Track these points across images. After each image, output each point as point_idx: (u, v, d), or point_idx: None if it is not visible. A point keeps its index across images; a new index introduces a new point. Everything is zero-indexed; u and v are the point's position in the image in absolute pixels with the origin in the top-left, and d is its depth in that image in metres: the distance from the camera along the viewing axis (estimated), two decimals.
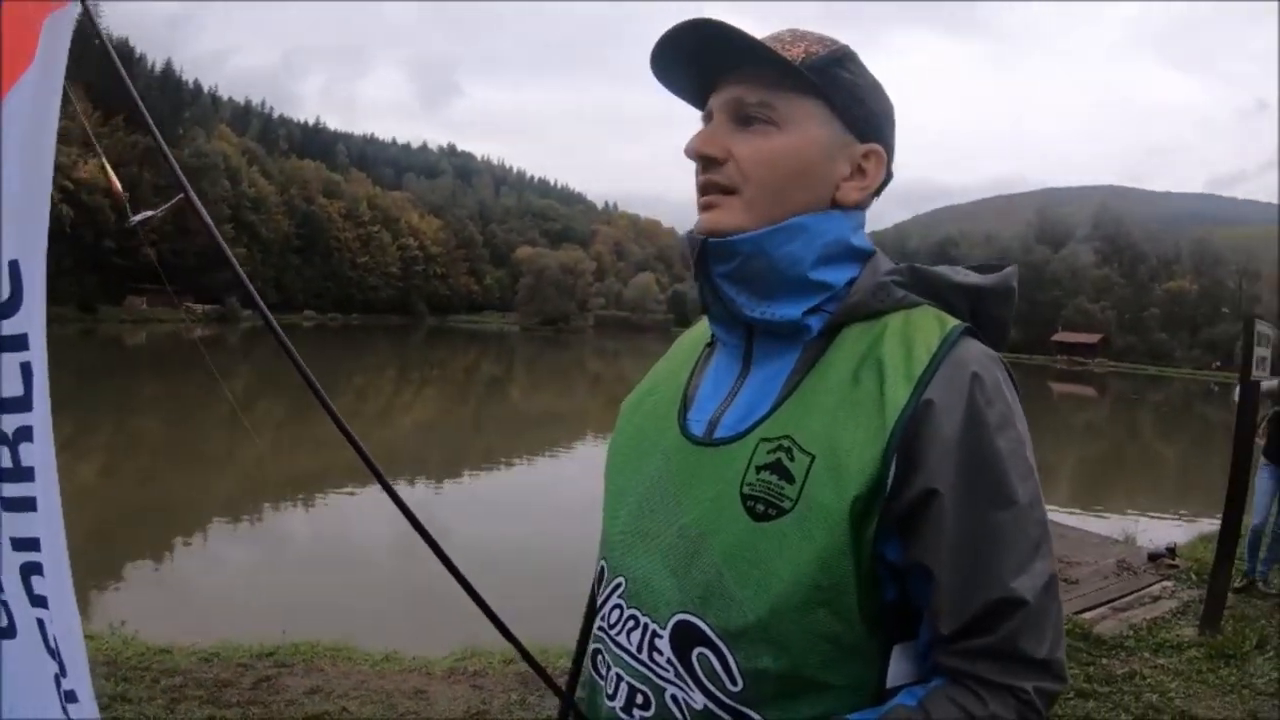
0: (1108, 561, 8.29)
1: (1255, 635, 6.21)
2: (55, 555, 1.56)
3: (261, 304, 1.40)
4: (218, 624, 7.43)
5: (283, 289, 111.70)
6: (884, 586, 1.04)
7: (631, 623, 1.16)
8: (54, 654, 1.58)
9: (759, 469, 1.08)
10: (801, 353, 1.15)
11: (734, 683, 1.05)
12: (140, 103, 1.32)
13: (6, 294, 1.54)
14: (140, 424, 23.22)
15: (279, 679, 5.35)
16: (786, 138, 1.13)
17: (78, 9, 1.63)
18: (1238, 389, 6.77)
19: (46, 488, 1.56)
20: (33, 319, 1.56)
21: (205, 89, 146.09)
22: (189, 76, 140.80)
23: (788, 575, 1.02)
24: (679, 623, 1.10)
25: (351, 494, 14.26)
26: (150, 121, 1.30)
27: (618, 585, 1.20)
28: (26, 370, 1.57)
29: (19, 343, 1.55)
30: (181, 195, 1.29)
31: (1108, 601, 7.12)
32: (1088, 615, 6.72)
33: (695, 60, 1.16)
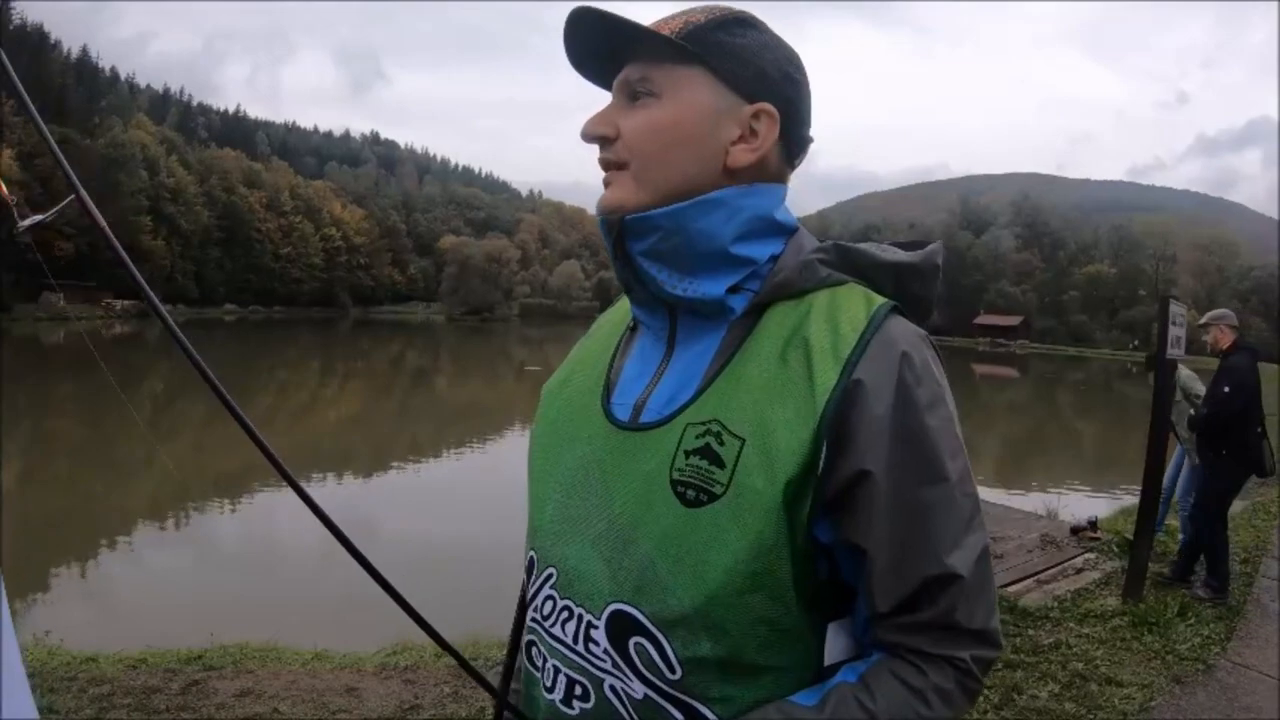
0: (1031, 536, 8.40)
1: (1176, 603, 6.35)
2: None
3: (151, 296, 1.34)
4: (145, 630, 7.28)
5: (203, 282, 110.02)
6: (817, 566, 1.04)
7: (565, 613, 1.14)
8: None
9: (688, 454, 1.06)
10: (726, 333, 1.13)
11: (672, 671, 1.05)
12: (24, 96, 1.24)
13: None
14: (59, 426, 22.66)
15: (208, 682, 5.27)
16: (664, 107, 1.12)
17: None
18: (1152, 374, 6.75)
19: None
20: None
21: (123, 76, 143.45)
22: (106, 64, 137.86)
23: (722, 563, 1.01)
24: (614, 613, 1.08)
25: (276, 492, 14.03)
26: (34, 113, 1.23)
27: (549, 575, 1.18)
28: None
29: None
30: (73, 196, 1.23)
31: (1032, 574, 7.22)
32: (1013, 588, 6.80)
33: (597, 51, 1.17)
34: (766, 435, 1.02)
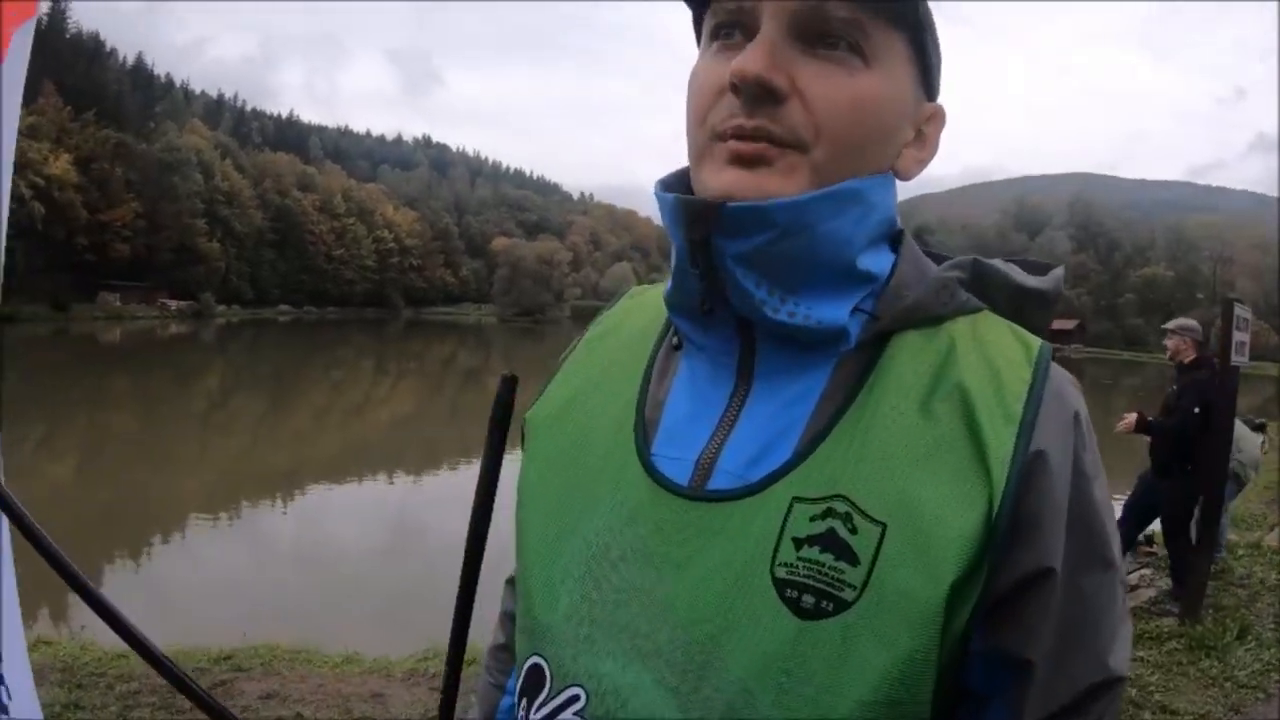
0: None
1: (1236, 625, 6.12)
2: None
3: None
4: (182, 625, 7.35)
5: (258, 283, 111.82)
6: (959, 679, 0.77)
7: None
8: None
9: (799, 542, 0.75)
10: (835, 369, 0.83)
11: None
12: None
13: None
14: (114, 422, 23.00)
15: (235, 683, 5.27)
16: (876, 80, 0.80)
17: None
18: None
19: None
20: None
21: (177, 82, 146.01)
22: (161, 70, 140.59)
23: (855, 693, 0.72)
24: None
25: (327, 490, 14.12)
26: None
27: (572, 697, 0.81)
28: None
29: None
30: None
31: None
32: None
33: None
34: (917, 518, 0.74)
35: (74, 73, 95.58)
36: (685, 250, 0.81)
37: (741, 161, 0.78)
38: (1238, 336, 6.39)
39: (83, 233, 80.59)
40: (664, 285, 0.90)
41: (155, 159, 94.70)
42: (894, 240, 0.88)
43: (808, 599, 0.74)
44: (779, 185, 0.77)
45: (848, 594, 0.73)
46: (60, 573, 0.93)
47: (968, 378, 0.78)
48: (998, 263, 0.90)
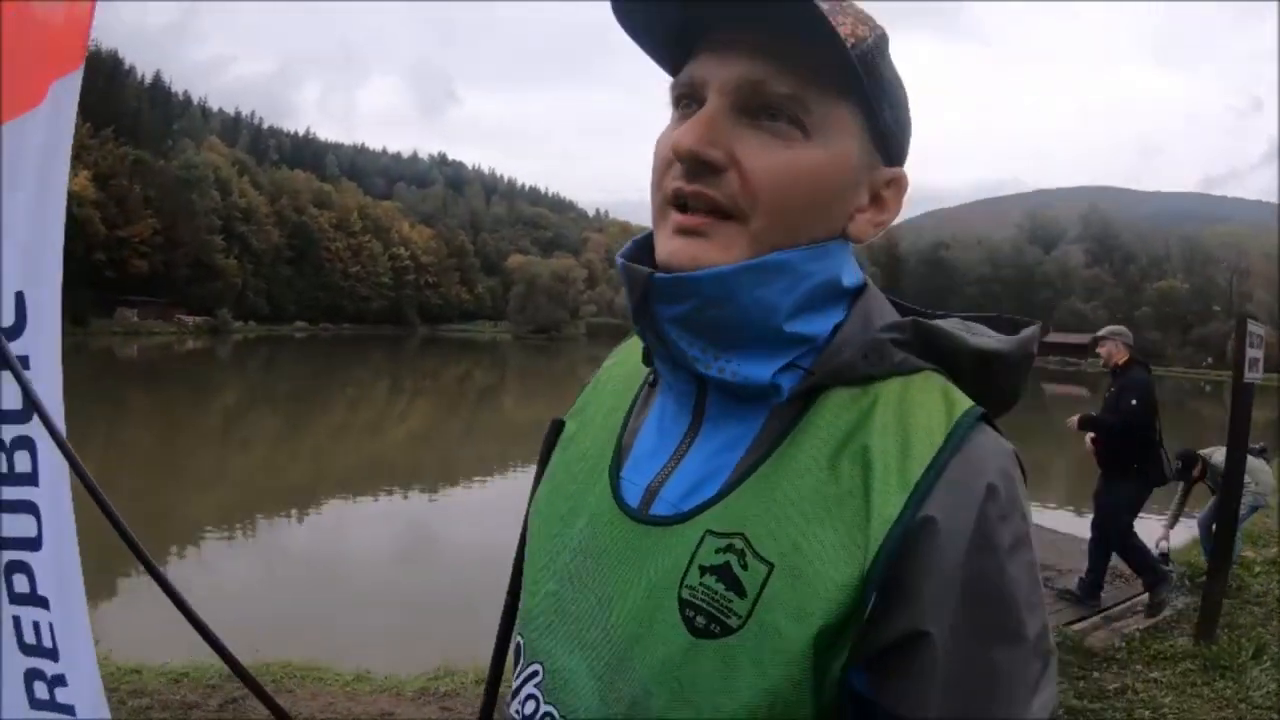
0: None
1: (1252, 645, 6.04)
2: (60, 552, 1.75)
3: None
4: (196, 640, 7.35)
5: (274, 299, 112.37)
6: (842, 714, 0.81)
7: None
8: (33, 650, 1.76)
9: (703, 570, 0.83)
10: (768, 418, 0.89)
11: None
12: None
13: (10, 321, 1.69)
14: (131, 437, 23.11)
15: (246, 700, 5.25)
16: (816, 152, 0.84)
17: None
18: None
19: (51, 491, 1.73)
20: (39, 343, 1.72)
21: (195, 100, 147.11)
22: (180, 87, 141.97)
23: (729, 708, 0.79)
24: None
25: (342, 506, 14.15)
26: None
27: (534, 673, 0.95)
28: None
29: (22, 363, 1.67)
30: None
31: (1100, 611, 6.98)
32: (1078, 626, 6.57)
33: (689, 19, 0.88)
34: (800, 566, 0.80)
35: (93, 90, 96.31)
36: (632, 307, 0.89)
37: (683, 232, 0.84)
38: (1251, 353, 6.35)
39: (101, 249, 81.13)
40: None
41: (173, 176, 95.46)
42: (856, 295, 0.92)
43: (700, 620, 0.81)
44: (716, 256, 0.83)
45: (733, 621, 0.80)
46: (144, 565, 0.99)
47: (875, 440, 0.82)
48: (950, 324, 0.93)
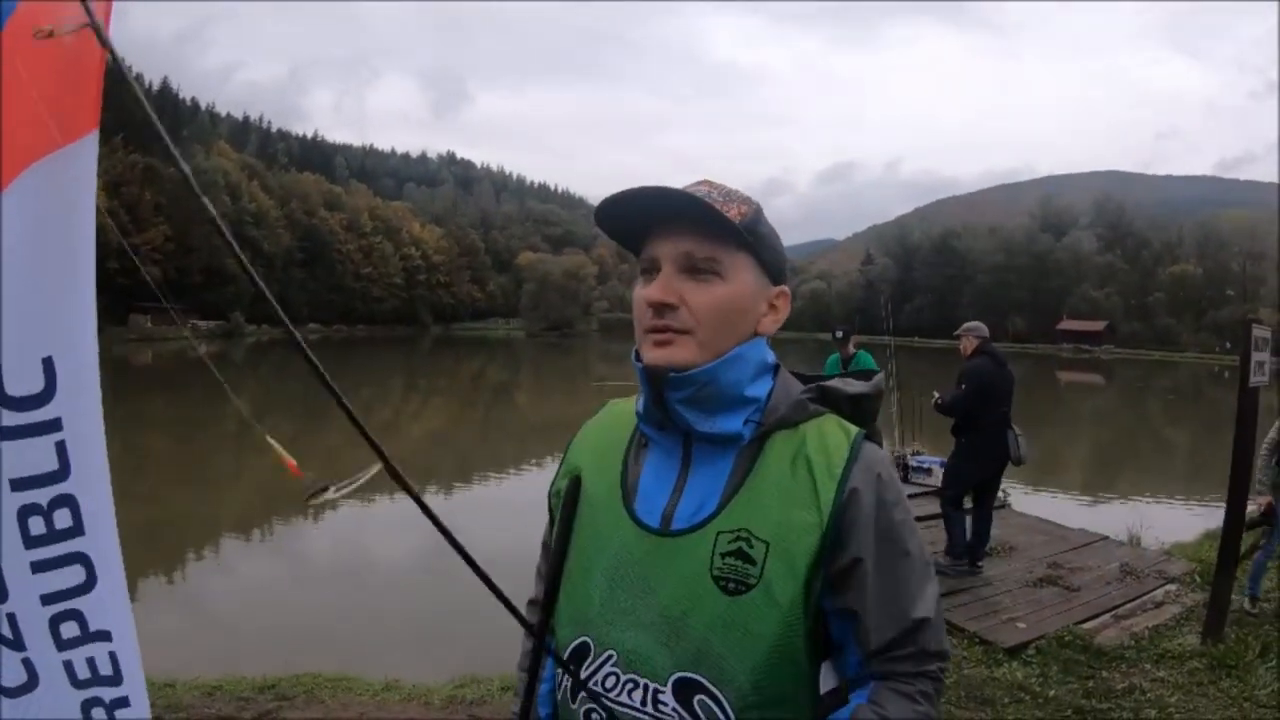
0: (1111, 566, 8.19)
1: (1258, 644, 6.10)
2: (113, 585, 1.82)
3: (284, 316, 1.41)
4: (223, 648, 7.47)
5: (287, 303, 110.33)
6: (820, 625, 1.37)
7: (631, 685, 1.37)
8: (88, 682, 1.82)
9: (724, 556, 1.34)
10: (737, 456, 1.42)
11: (728, 716, 1.31)
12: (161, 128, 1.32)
13: (40, 387, 1.71)
14: (148, 443, 23.21)
15: (280, 713, 5.38)
16: (729, 287, 1.39)
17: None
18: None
19: (101, 536, 1.80)
20: (72, 404, 1.76)
21: (203, 106, 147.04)
22: (189, 94, 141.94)
23: (761, 633, 1.31)
24: (679, 679, 1.33)
25: (359, 506, 14.23)
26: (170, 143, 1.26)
27: (609, 657, 1.40)
28: (61, 447, 1.75)
29: (51, 426, 1.73)
30: (379, 465, 1.43)
31: (1110, 609, 7.03)
32: (1089, 625, 6.63)
33: (644, 215, 1.40)
34: (786, 538, 1.33)
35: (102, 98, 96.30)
36: (649, 395, 1.42)
37: (658, 344, 1.38)
38: (1256, 357, 6.36)
39: (114, 256, 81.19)
40: (634, 401, 1.53)
41: (183, 181, 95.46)
42: (775, 370, 1.48)
43: (731, 585, 1.33)
44: (681, 356, 1.37)
45: (752, 581, 1.32)
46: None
47: (812, 456, 1.38)
48: (836, 383, 1.52)
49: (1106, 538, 9.60)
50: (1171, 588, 7.67)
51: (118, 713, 1.86)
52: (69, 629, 1.80)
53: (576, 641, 1.45)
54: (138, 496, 16.14)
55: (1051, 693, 5.47)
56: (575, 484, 1.55)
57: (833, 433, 1.42)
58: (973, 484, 8.14)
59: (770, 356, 1.48)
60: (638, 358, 1.43)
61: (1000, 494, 11.31)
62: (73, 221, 1.78)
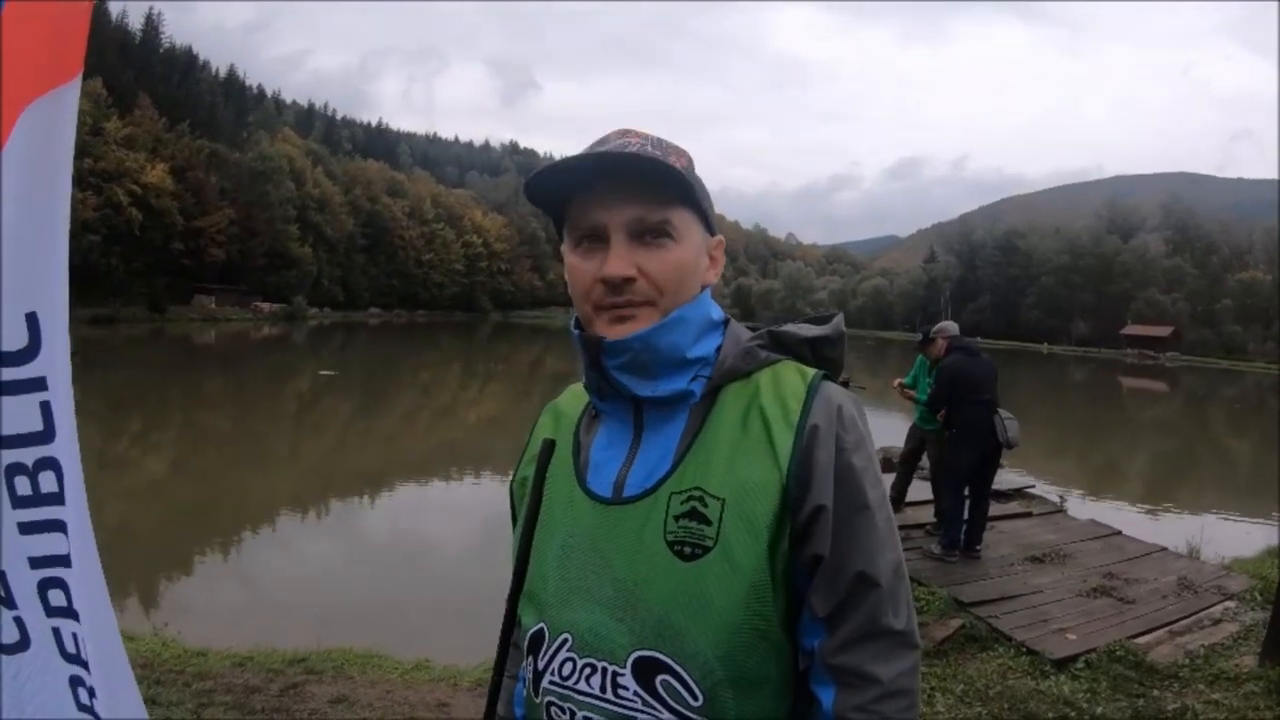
0: (1168, 579, 7.91)
1: None
2: (87, 567, 1.75)
3: None
4: (263, 621, 7.53)
5: (349, 287, 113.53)
6: (791, 582, 1.24)
7: (589, 669, 1.26)
8: (73, 659, 1.79)
9: (677, 518, 1.23)
10: (689, 414, 1.32)
11: (695, 698, 1.20)
12: None
13: (25, 343, 1.70)
14: (207, 420, 23.57)
15: (306, 686, 5.42)
16: (681, 249, 1.30)
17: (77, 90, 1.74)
18: None
19: (76, 509, 1.74)
20: (53, 362, 1.73)
21: (269, 93, 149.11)
22: (255, 81, 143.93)
23: (724, 601, 1.19)
24: (638, 659, 1.22)
25: (415, 491, 14.27)
26: None
27: (564, 641, 1.29)
28: (46, 408, 1.73)
29: (38, 384, 1.72)
30: None
31: (1165, 625, 6.78)
32: (1143, 640, 6.40)
33: (579, 179, 1.29)
34: (742, 492, 1.22)
35: (168, 85, 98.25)
36: (587, 362, 1.32)
37: (619, 320, 1.28)
38: None
39: (179, 238, 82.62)
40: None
41: (248, 167, 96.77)
42: (725, 325, 1.39)
43: (686, 549, 1.22)
44: (642, 328, 1.26)
45: (709, 542, 1.21)
46: None
47: (765, 403, 1.28)
48: (789, 326, 1.42)
49: (1165, 549, 9.23)
50: (1230, 604, 7.37)
51: (94, 701, 1.80)
52: (56, 597, 1.79)
53: (534, 629, 1.35)
54: (194, 470, 16.41)
55: (1099, 709, 5.25)
56: (542, 469, 1.43)
57: (789, 378, 1.32)
58: (967, 471, 8.28)
59: (717, 313, 1.38)
60: (577, 325, 1.36)
61: (1057, 499, 11.05)
62: (58, 169, 1.73)
